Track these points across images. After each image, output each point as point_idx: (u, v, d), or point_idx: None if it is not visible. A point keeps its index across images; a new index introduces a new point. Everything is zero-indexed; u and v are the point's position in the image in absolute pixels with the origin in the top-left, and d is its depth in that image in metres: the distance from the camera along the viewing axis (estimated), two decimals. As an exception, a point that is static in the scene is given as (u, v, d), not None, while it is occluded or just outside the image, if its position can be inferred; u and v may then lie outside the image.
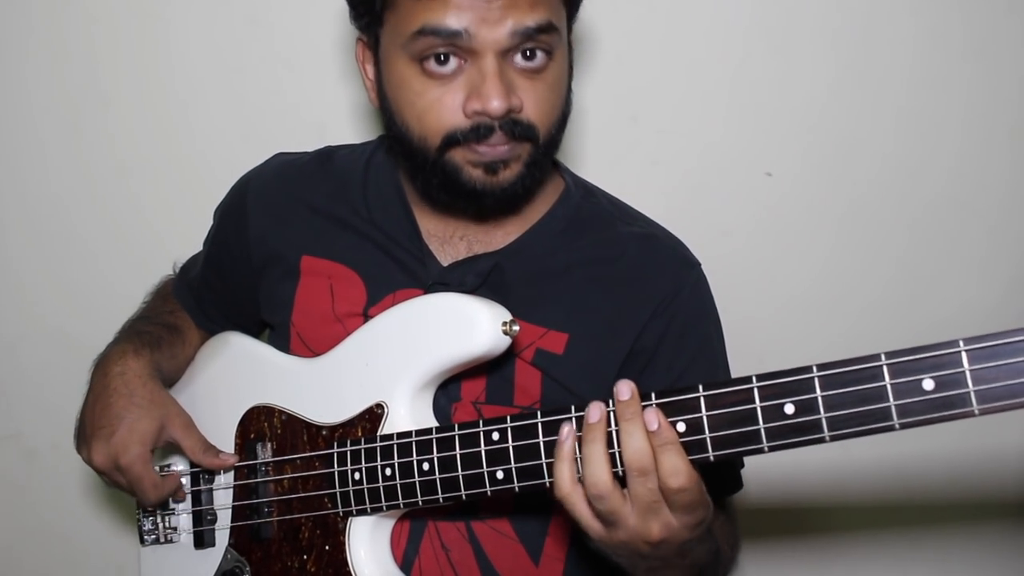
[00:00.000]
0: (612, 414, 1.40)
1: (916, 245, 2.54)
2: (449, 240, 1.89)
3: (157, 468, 1.91)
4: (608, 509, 1.39)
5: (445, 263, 1.87)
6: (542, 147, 1.74)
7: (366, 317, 1.85)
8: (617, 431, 1.39)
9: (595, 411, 1.39)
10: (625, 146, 2.53)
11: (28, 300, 2.71)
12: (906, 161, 2.51)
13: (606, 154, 2.49)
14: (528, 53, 1.67)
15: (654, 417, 1.35)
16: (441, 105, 1.67)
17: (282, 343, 1.94)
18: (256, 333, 2.06)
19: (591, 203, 1.97)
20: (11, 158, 2.66)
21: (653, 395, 1.39)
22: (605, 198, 2.01)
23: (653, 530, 1.39)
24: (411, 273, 1.87)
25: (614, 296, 1.85)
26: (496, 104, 1.63)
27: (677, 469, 1.34)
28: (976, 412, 1.17)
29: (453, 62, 1.65)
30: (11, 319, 2.72)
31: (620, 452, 1.38)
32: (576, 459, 1.42)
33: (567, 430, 1.42)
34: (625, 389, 1.38)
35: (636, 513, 1.39)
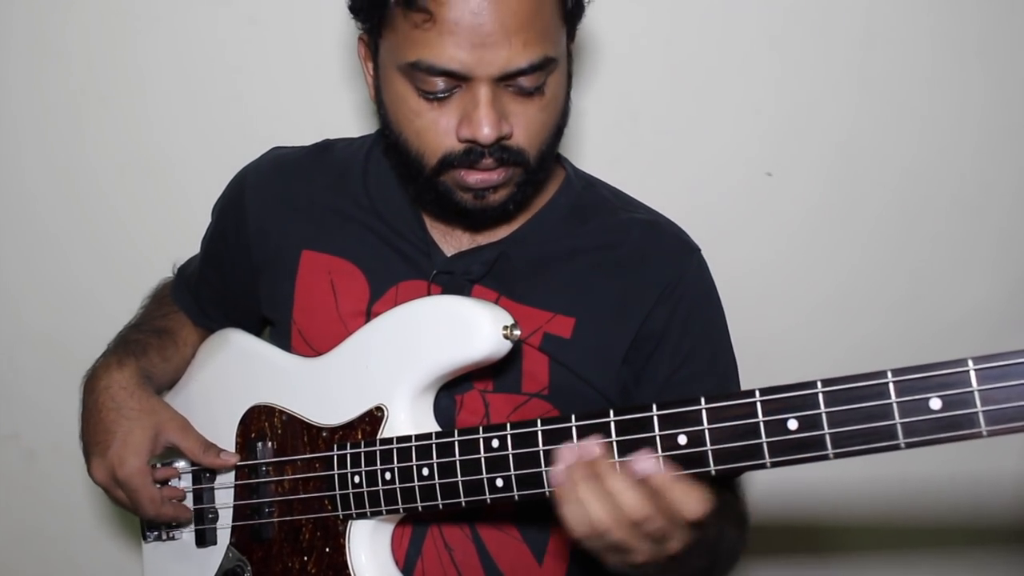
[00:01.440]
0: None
1: (917, 244, 2.54)
2: (452, 232, 1.89)
3: (158, 464, 1.91)
4: (616, 540, 1.37)
5: (449, 253, 1.87)
6: (533, 168, 1.75)
7: (369, 314, 1.85)
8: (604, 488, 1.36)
9: (567, 454, 1.39)
10: (625, 146, 2.53)
11: (28, 300, 2.70)
12: (907, 161, 2.51)
13: (606, 154, 2.48)
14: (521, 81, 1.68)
15: (643, 465, 1.34)
16: (437, 127, 1.68)
17: (283, 341, 1.93)
18: (256, 331, 2.05)
19: (592, 192, 1.98)
20: (11, 158, 2.65)
21: (655, 407, 1.39)
22: (606, 188, 2.02)
23: (672, 548, 1.39)
24: (414, 264, 1.87)
25: (619, 281, 1.86)
26: (486, 133, 1.64)
27: (691, 505, 1.33)
28: (984, 433, 1.17)
29: (446, 87, 1.65)
30: (11, 319, 2.71)
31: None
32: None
33: (562, 474, 1.39)
34: (592, 447, 1.38)
35: (649, 544, 1.38)
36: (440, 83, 1.65)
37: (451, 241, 1.88)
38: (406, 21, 1.63)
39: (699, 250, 1.95)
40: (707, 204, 2.51)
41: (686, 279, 1.89)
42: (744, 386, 1.89)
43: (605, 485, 1.35)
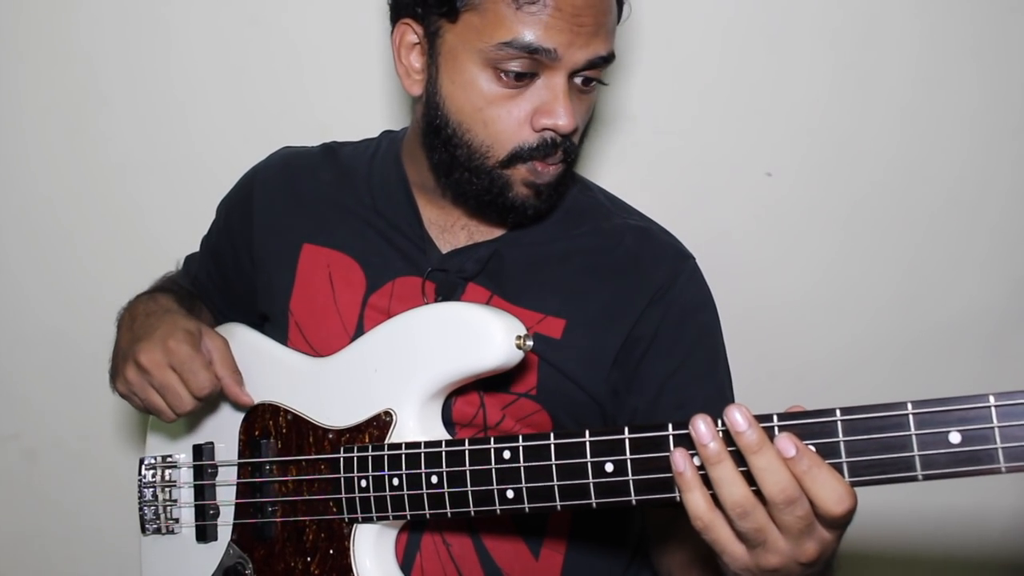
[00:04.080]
0: (723, 433, 1.28)
1: (917, 245, 2.55)
2: (450, 229, 1.91)
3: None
4: (755, 526, 1.26)
5: (445, 251, 1.89)
6: (572, 167, 1.81)
7: (365, 304, 1.87)
8: (745, 469, 1.26)
9: (705, 432, 1.26)
10: (625, 146, 2.53)
11: (28, 300, 2.70)
12: (907, 161, 2.51)
13: (606, 154, 2.49)
14: (591, 74, 1.73)
15: (789, 443, 1.22)
16: (510, 116, 1.71)
17: (280, 333, 1.94)
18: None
19: (588, 196, 2.00)
20: (11, 158, 2.65)
21: (670, 425, 1.37)
22: (601, 193, 2.04)
23: (809, 550, 1.28)
24: (411, 260, 1.88)
25: (611, 284, 1.87)
26: (566, 123, 1.69)
27: (838, 495, 1.22)
28: (1003, 470, 1.16)
29: (524, 74, 1.68)
30: (11, 319, 2.71)
31: (758, 488, 1.25)
32: (702, 483, 1.29)
33: (680, 458, 1.29)
34: (740, 419, 1.24)
35: (787, 539, 1.26)
36: (525, 66, 1.67)
37: (448, 238, 1.90)
38: (502, 1, 1.65)
39: (693, 258, 1.97)
40: (706, 204, 2.53)
41: (678, 284, 1.90)
42: (742, 389, 1.91)
43: (751, 461, 1.24)
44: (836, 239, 2.55)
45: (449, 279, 1.85)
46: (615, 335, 1.85)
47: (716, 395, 1.86)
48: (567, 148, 1.74)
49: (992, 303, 2.55)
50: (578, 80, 1.72)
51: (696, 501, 1.29)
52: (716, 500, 1.29)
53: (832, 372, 2.54)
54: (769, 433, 1.27)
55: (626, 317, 1.85)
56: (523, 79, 1.68)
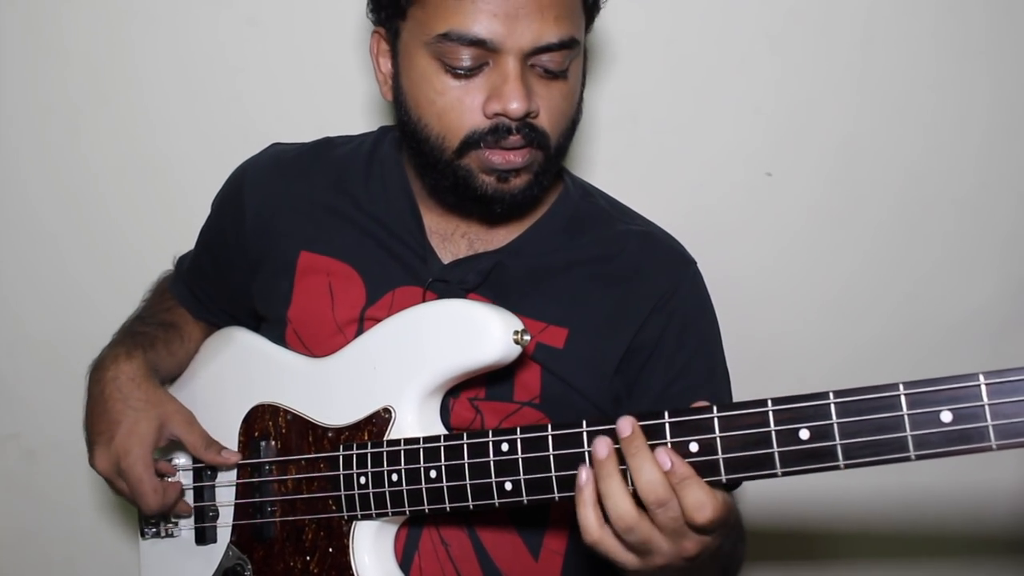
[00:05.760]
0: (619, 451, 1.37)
1: (917, 245, 2.55)
2: (451, 238, 1.89)
3: (157, 458, 1.92)
4: (639, 539, 1.36)
5: (446, 261, 1.87)
6: (552, 156, 1.76)
7: (362, 319, 1.86)
8: (625, 468, 1.36)
9: (602, 447, 1.37)
10: (625, 146, 2.52)
11: (28, 301, 2.70)
12: (907, 161, 2.51)
13: (606, 154, 2.49)
14: (548, 59, 1.70)
15: (666, 457, 1.32)
16: (462, 105, 1.69)
17: (276, 335, 1.93)
18: (252, 325, 2.05)
19: (589, 202, 1.98)
20: (8, 159, 2.65)
21: (667, 413, 1.39)
22: (603, 198, 2.03)
23: (688, 548, 1.37)
24: (411, 270, 1.87)
25: (613, 292, 1.86)
26: (516, 106, 1.65)
27: (701, 503, 1.31)
28: (994, 447, 1.17)
29: (475, 61, 1.67)
30: (11, 319, 2.71)
31: (634, 488, 1.34)
32: (597, 501, 1.39)
33: (585, 475, 1.38)
34: (626, 425, 1.35)
35: (666, 538, 1.36)
36: (469, 55, 1.66)
37: (449, 248, 1.89)
38: None
39: (695, 263, 1.96)
40: (707, 204, 2.52)
41: (681, 291, 1.90)
42: (742, 389, 1.90)
43: (629, 463, 1.35)
44: (835, 239, 2.55)
45: (450, 290, 1.84)
46: (618, 343, 1.84)
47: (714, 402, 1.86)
48: (529, 134, 1.70)
49: (992, 303, 2.54)
50: (537, 67, 1.69)
51: (589, 518, 1.39)
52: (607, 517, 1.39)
53: (832, 372, 2.53)
54: (765, 419, 1.31)
55: (629, 325, 1.85)
56: (471, 66, 1.67)
